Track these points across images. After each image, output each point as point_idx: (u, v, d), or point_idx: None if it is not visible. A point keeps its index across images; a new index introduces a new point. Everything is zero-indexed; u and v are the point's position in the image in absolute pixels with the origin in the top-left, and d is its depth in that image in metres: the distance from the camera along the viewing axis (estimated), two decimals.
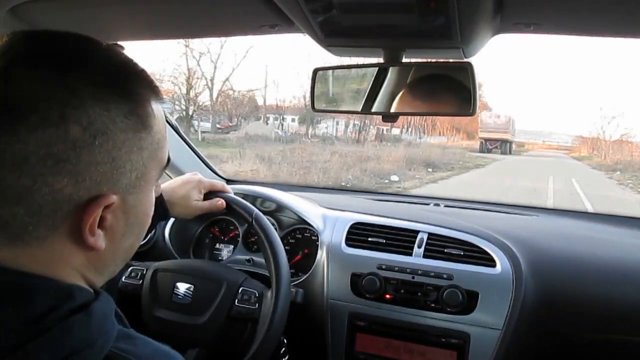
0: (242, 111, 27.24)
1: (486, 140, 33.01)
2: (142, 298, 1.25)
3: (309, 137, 24.63)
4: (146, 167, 0.59)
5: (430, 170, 16.86)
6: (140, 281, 1.27)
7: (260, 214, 1.27)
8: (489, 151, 32.12)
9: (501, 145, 33.09)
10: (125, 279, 1.28)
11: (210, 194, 1.32)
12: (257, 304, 1.20)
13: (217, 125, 25.14)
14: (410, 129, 35.99)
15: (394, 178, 13.88)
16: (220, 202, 1.29)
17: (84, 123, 0.51)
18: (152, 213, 0.65)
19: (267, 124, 27.99)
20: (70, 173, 0.51)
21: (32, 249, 0.53)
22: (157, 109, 0.60)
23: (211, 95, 23.83)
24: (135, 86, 0.57)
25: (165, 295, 1.23)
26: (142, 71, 0.59)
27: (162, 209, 1.24)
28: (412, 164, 17.00)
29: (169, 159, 0.65)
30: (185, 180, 1.31)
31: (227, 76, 26.57)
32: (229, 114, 27.07)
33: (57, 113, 0.49)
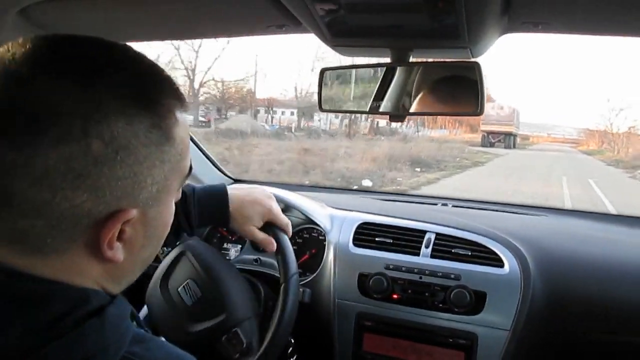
0: (228, 104, 26.10)
1: (489, 133, 30.16)
2: (159, 268, 1.23)
3: (293, 131, 23.46)
4: (167, 179, 0.57)
5: (418, 170, 14.08)
6: (169, 249, 1.24)
7: (296, 278, 1.20)
8: (492, 145, 29.37)
9: (505, 139, 30.28)
10: None
11: (269, 226, 1.22)
12: (238, 355, 1.14)
13: (201, 118, 23.96)
14: (409, 122, 34.66)
15: (366, 183, 11.05)
16: (273, 246, 1.19)
17: (107, 138, 0.50)
18: (171, 222, 0.63)
19: (255, 117, 26.74)
20: (90, 188, 0.50)
21: (50, 260, 0.53)
22: (181, 117, 0.58)
23: (192, 86, 22.70)
24: (160, 97, 0.55)
25: (176, 282, 1.21)
26: (168, 79, 0.58)
27: (223, 216, 1.18)
28: (397, 162, 14.35)
29: (190, 168, 0.63)
30: (258, 201, 1.21)
31: (209, 66, 25.80)
32: (217, 107, 25.82)
33: (80, 127, 0.48)
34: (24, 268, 0.52)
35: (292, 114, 30.35)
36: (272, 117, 28.75)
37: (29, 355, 0.48)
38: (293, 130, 23.97)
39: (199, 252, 1.24)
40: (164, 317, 1.21)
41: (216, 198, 1.18)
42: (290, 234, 1.25)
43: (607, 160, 25.05)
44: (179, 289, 1.20)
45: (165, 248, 1.30)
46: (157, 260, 1.28)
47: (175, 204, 0.64)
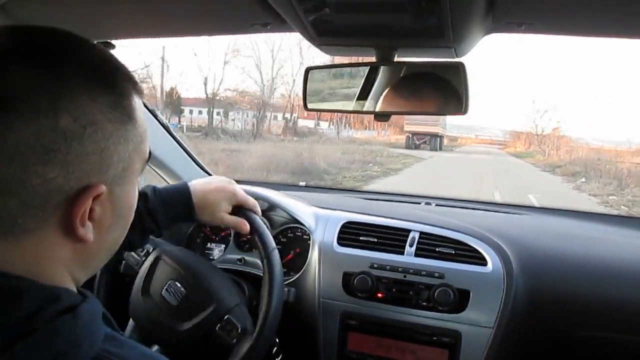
0: None
1: (413, 134, 28.98)
2: (137, 277, 1.23)
3: (185, 131, 22.33)
4: (132, 159, 0.59)
5: (303, 184, 6.84)
6: (144, 258, 1.25)
7: (277, 252, 1.23)
8: (417, 147, 28.24)
9: (430, 141, 29.28)
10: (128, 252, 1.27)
11: (238, 209, 1.26)
12: (235, 340, 1.15)
13: None
14: (334, 121, 32.15)
15: None
16: (246, 226, 1.23)
17: (74, 113, 0.52)
18: (135, 206, 0.65)
19: (163, 114, 24.76)
20: (60, 163, 0.51)
21: (20, 244, 0.53)
22: (139, 102, 0.61)
23: None
24: (119, 79, 0.58)
25: (158, 286, 1.21)
26: (123, 66, 0.60)
27: (189, 210, 1.20)
28: (279, 171, 12.26)
29: (150, 153, 0.66)
30: (220, 188, 1.24)
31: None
32: None
33: (47, 102, 0.50)
34: None
35: (200, 112, 29.55)
36: (180, 116, 27.22)
37: (1, 352, 0.47)
38: (184, 130, 23.02)
39: (174, 254, 1.26)
40: (152, 324, 1.21)
41: (179, 194, 1.21)
42: (260, 212, 1.28)
43: (539, 164, 24.04)
44: (162, 292, 1.20)
45: (139, 257, 1.29)
46: (133, 270, 1.28)
47: (138, 203, 0.67)
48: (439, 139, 30.03)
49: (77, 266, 0.59)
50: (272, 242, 1.23)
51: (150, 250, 1.27)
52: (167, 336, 1.19)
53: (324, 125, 31.53)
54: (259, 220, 1.26)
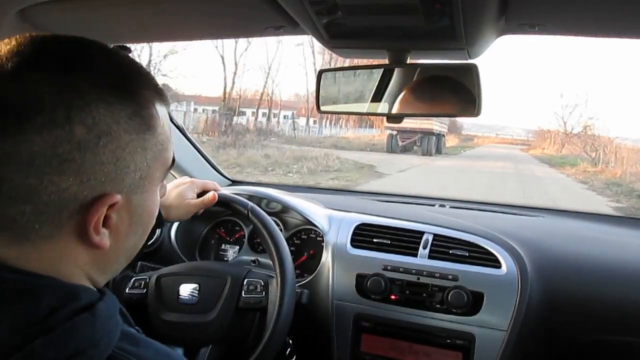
0: None
1: (399, 132, 20.77)
2: (149, 305, 1.24)
3: None
4: (150, 167, 0.60)
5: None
6: (145, 290, 1.26)
7: (256, 206, 1.29)
8: (405, 150, 21.29)
9: (422, 141, 21.27)
10: (129, 290, 1.26)
11: (203, 194, 1.33)
12: (263, 292, 1.21)
13: None
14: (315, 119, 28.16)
15: None
16: (212, 195, 1.31)
17: (89, 124, 0.52)
18: (156, 213, 0.66)
19: None
20: (75, 172, 0.52)
21: (37, 248, 0.54)
22: (161, 111, 0.61)
23: None
24: (139, 88, 0.58)
25: (172, 298, 1.22)
26: (147, 74, 0.61)
27: (159, 214, 1.23)
28: None
29: (173, 160, 0.66)
30: (177, 184, 1.33)
31: None
32: None
33: (63, 114, 0.51)
34: (12, 258, 0.53)
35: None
36: None
37: (19, 349, 0.48)
38: None
39: (171, 268, 1.30)
40: (184, 332, 1.22)
41: None
42: (220, 189, 1.37)
43: (590, 180, 14.77)
44: (179, 300, 1.22)
45: (140, 291, 1.28)
46: (141, 303, 1.28)
47: None
48: (435, 138, 21.99)
49: (95, 270, 0.60)
50: (245, 201, 1.30)
51: (147, 280, 1.27)
52: (205, 333, 1.22)
53: (303, 122, 28.68)
54: (223, 191, 1.35)
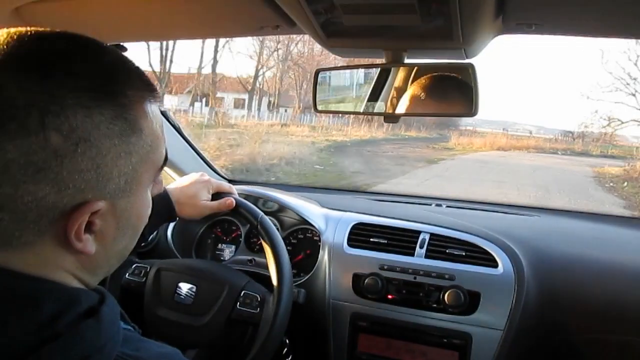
0: None
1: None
2: (145, 296, 1.25)
3: None
4: (137, 170, 0.57)
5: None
6: (144, 279, 1.27)
7: (266, 217, 1.27)
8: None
9: None
10: (128, 275, 1.27)
11: (217, 195, 1.31)
12: (258, 308, 1.20)
13: None
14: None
15: None
16: (229, 200, 1.28)
17: (65, 130, 0.49)
18: (147, 213, 0.64)
19: None
20: (52, 181, 0.50)
21: (22, 254, 0.52)
22: (151, 109, 0.58)
23: None
24: (124, 88, 0.55)
25: (168, 295, 1.23)
26: (135, 71, 0.58)
27: (169, 210, 1.23)
28: None
29: (165, 159, 0.63)
30: (194, 180, 1.30)
31: None
32: None
33: (37, 121, 0.48)
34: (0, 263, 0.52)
35: None
36: None
37: (26, 356, 0.47)
38: None
39: (173, 262, 1.31)
40: (175, 331, 1.22)
41: (158, 197, 1.23)
42: (236, 194, 1.34)
43: None
44: (175, 298, 1.23)
45: (139, 279, 1.29)
46: (138, 290, 1.29)
47: None
48: None
49: (84, 273, 0.58)
50: (257, 210, 1.29)
51: (148, 270, 1.28)
52: (194, 336, 1.22)
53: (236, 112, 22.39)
54: (237, 196, 1.33)
